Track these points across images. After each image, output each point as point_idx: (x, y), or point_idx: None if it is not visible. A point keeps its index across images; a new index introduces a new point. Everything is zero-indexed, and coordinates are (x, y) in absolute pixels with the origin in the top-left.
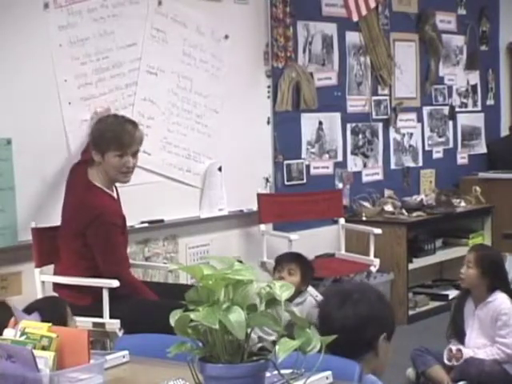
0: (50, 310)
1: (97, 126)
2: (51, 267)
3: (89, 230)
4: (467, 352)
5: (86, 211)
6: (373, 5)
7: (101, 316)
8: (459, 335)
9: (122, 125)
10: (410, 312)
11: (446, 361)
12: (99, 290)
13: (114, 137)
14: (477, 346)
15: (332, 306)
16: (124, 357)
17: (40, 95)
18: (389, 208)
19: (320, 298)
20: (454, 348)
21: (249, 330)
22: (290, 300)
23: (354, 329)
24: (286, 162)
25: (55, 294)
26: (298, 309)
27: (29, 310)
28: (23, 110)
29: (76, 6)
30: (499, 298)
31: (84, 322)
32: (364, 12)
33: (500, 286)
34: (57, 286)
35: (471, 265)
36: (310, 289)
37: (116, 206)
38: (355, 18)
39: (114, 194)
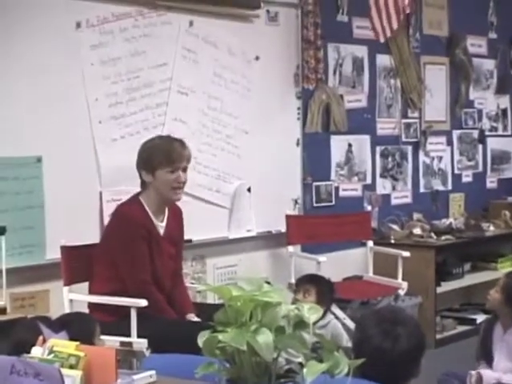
0: (78, 325)
1: (144, 147)
2: (79, 286)
3: (112, 237)
4: (488, 376)
5: (113, 215)
6: (395, 26)
7: (127, 333)
8: (488, 359)
9: (170, 143)
10: (438, 336)
11: None
12: (126, 308)
13: (164, 154)
14: (504, 371)
15: (372, 335)
16: (151, 376)
17: (71, 114)
18: (417, 231)
19: (348, 320)
20: (473, 372)
21: (276, 352)
22: (314, 323)
23: (398, 363)
24: (314, 183)
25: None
26: (321, 331)
27: (57, 323)
28: (54, 127)
29: (108, 26)
30: None
31: (111, 341)
32: (389, 33)
33: None
34: (89, 304)
35: (498, 289)
36: (337, 311)
37: (143, 218)
38: (382, 40)
39: (159, 222)
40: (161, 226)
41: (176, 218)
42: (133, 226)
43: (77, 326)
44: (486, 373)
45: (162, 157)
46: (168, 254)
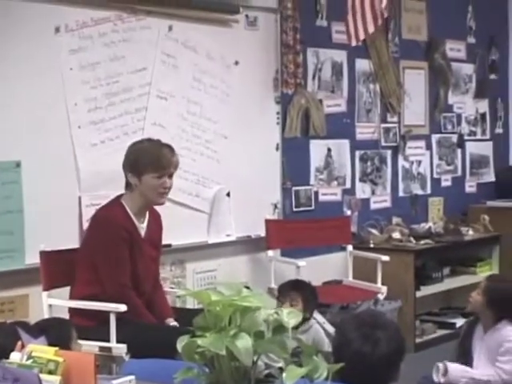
0: (56, 330)
1: (132, 149)
2: (59, 290)
3: (93, 238)
4: (454, 368)
5: (93, 218)
6: (371, 30)
7: (105, 338)
8: (466, 360)
9: (160, 148)
10: (417, 340)
11: (434, 378)
12: (106, 313)
13: (153, 159)
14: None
15: (352, 339)
16: (130, 382)
17: (50, 118)
18: (397, 235)
19: (328, 325)
20: (440, 364)
21: (256, 357)
22: (296, 328)
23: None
24: (294, 188)
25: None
26: (303, 336)
27: (34, 328)
28: (33, 132)
29: (87, 31)
30: (507, 326)
31: (90, 346)
32: (362, 36)
33: (508, 317)
34: (69, 309)
35: (480, 291)
36: (317, 315)
37: (124, 219)
38: (354, 43)
39: (140, 224)
40: (142, 227)
41: (156, 220)
42: (114, 228)
43: (54, 331)
44: (451, 364)
45: (150, 162)
46: (149, 257)
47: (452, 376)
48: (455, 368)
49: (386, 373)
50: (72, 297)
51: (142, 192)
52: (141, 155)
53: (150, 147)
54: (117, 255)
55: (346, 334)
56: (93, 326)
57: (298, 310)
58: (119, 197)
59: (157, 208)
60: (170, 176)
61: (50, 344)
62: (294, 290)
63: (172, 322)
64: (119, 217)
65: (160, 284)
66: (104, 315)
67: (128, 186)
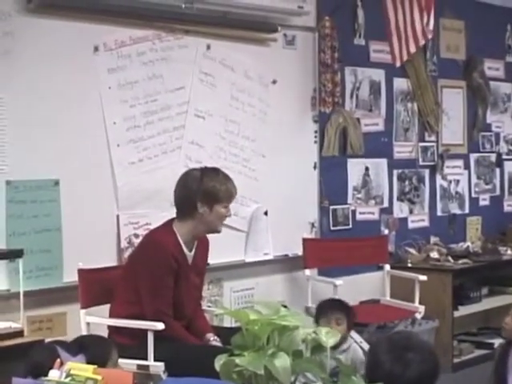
0: (94, 348)
1: (207, 180)
2: (96, 309)
3: (139, 262)
4: None
5: (145, 239)
6: (413, 49)
7: (143, 356)
8: None
9: (229, 180)
10: (455, 360)
11: None
12: (144, 331)
13: (227, 191)
14: None
15: (384, 361)
16: None
17: (89, 137)
18: (434, 255)
19: (365, 344)
20: None
21: (294, 377)
22: (336, 347)
23: None
24: (331, 207)
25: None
26: (343, 356)
27: (73, 345)
28: (72, 151)
29: (125, 50)
30: None
31: (128, 364)
32: (405, 57)
33: None
34: (109, 327)
35: None
36: (354, 334)
37: (175, 248)
38: (398, 64)
39: (189, 252)
40: (190, 255)
41: (203, 247)
42: (164, 256)
43: (93, 349)
44: None
45: (225, 193)
46: (193, 284)
47: None
48: None
49: None
50: (111, 315)
51: (208, 221)
52: (217, 187)
53: (223, 179)
54: (162, 284)
55: (378, 355)
56: (131, 344)
57: (343, 329)
58: (171, 222)
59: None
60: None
61: (88, 362)
62: (340, 311)
63: (212, 337)
64: (171, 244)
65: (200, 305)
66: (142, 334)
67: (184, 213)
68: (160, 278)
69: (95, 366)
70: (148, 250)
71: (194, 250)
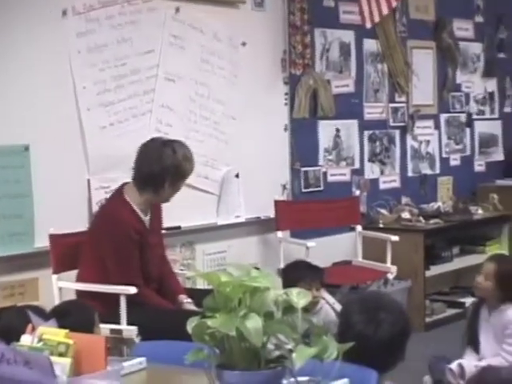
0: (78, 315)
1: (176, 158)
2: (68, 273)
3: (102, 238)
4: (468, 368)
5: (101, 216)
6: (385, 11)
7: (117, 322)
8: (474, 343)
9: (192, 156)
10: (427, 319)
11: (451, 380)
12: (116, 296)
13: (191, 169)
14: (492, 354)
15: (355, 322)
16: (141, 363)
17: (59, 102)
18: (406, 215)
19: (337, 305)
20: (453, 366)
21: (266, 338)
22: (308, 310)
23: (381, 349)
24: (303, 169)
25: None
26: (314, 318)
27: (56, 312)
28: (41, 116)
29: (94, 13)
30: None
31: (101, 329)
32: (377, 19)
33: None
34: (77, 292)
35: (490, 277)
36: (327, 296)
37: (133, 220)
38: (368, 25)
39: (145, 217)
40: (146, 219)
41: (157, 208)
42: (123, 228)
43: (77, 315)
44: (465, 363)
45: (190, 171)
46: (154, 245)
47: (468, 375)
48: (468, 366)
49: (390, 354)
50: (78, 280)
51: (167, 194)
52: (187, 165)
53: (190, 156)
54: (127, 256)
55: (350, 315)
56: (102, 310)
57: (319, 294)
58: (121, 190)
59: None
60: None
61: (72, 328)
62: (318, 279)
63: (185, 299)
64: (126, 216)
65: (167, 262)
66: (113, 299)
67: (149, 186)
68: (124, 250)
69: (67, 331)
70: (107, 226)
71: (149, 214)
